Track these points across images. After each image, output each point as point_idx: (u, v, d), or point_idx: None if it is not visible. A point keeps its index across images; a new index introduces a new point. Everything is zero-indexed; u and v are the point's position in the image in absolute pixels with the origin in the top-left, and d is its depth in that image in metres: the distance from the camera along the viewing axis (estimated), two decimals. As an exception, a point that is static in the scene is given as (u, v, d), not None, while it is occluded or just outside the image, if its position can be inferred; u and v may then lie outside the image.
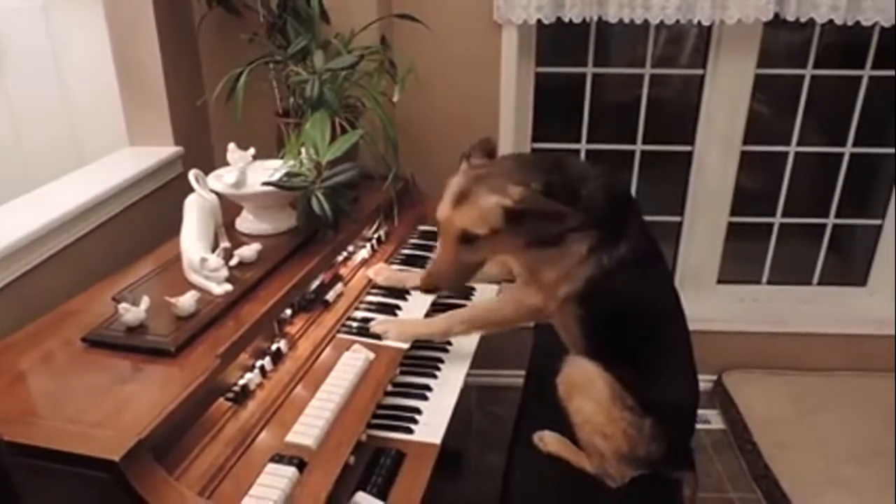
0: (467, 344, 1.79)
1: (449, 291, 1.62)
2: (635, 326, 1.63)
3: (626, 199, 1.70)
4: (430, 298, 1.81)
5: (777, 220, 2.84)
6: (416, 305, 1.79)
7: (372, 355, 1.54)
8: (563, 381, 1.66)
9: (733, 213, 2.77)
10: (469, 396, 2.80)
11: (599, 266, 1.57)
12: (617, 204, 1.63)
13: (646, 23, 2.32)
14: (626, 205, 1.66)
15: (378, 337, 1.62)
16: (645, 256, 1.65)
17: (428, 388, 1.60)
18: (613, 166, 2.52)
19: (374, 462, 1.36)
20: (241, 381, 1.34)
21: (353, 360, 1.50)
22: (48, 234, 1.62)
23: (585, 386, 1.62)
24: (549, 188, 1.50)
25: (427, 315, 1.78)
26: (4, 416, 1.09)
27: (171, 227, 1.64)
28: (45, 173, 1.96)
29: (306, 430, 1.28)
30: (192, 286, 1.49)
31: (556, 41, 2.57)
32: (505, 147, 2.57)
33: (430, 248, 2.07)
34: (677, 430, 1.69)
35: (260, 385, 1.37)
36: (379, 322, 1.68)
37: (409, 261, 2.00)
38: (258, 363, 1.40)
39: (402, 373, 1.63)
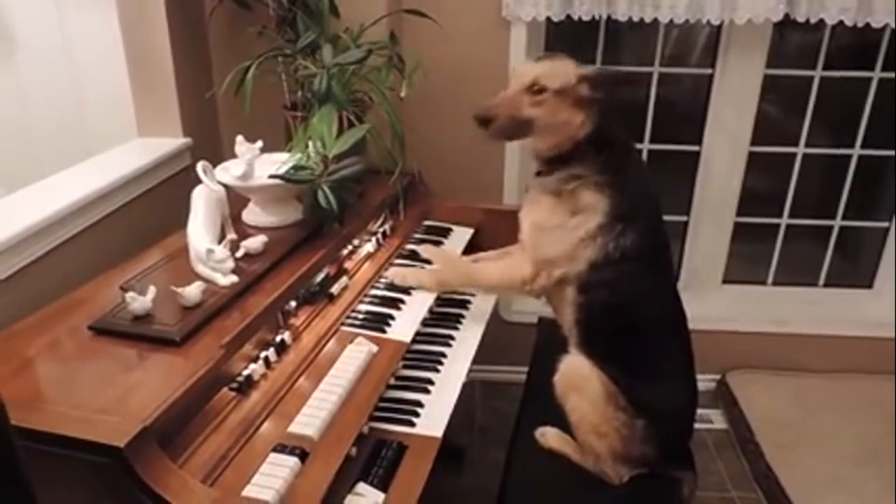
0: (470, 339, 1.80)
1: (494, 133, 1.64)
2: (632, 326, 1.63)
3: (651, 197, 1.70)
4: (433, 294, 1.82)
5: (784, 220, 2.84)
6: (419, 301, 1.79)
7: (375, 348, 1.55)
8: (560, 380, 1.67)
9: (740, 213, 2.77)
10: (473, 391, 2.81)
11: (604, 250, 1.59)
12: (641, 196, 1.66)
13: (655, 21, 2.32)
14: (648, 202, 1.68)
15: (381, 328, 1.63)
16: (653, 259, 1.66)
17: (430, 381, 1.61)
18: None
19: (375, 454, 1.38)
20: (245, 372, 1.35)
21: (356, 353, 1.51)
22: (57, 224, 1.64)
23: (581, 385, 1.63)
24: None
25: (430, 311, 1.79)
26: (12, 400, 1.10)
27: (179, 217, 1.65)
28: (54, 163, 1.98)
29: (309, 422, 1.29)
30: (199, 277, 1.50)
31: (564, 38, 2.57)
32: (511, 144, 2.57)
33: (435, 244, 2.08)
34: (671, 434, 1.69)
35: (264, 376, 1.38)
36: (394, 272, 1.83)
37: (414, 256, 2.01)
38: (262, 354, 1.41)
39: (405, 366, 1.64)
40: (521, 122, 1.62)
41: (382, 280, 1.86)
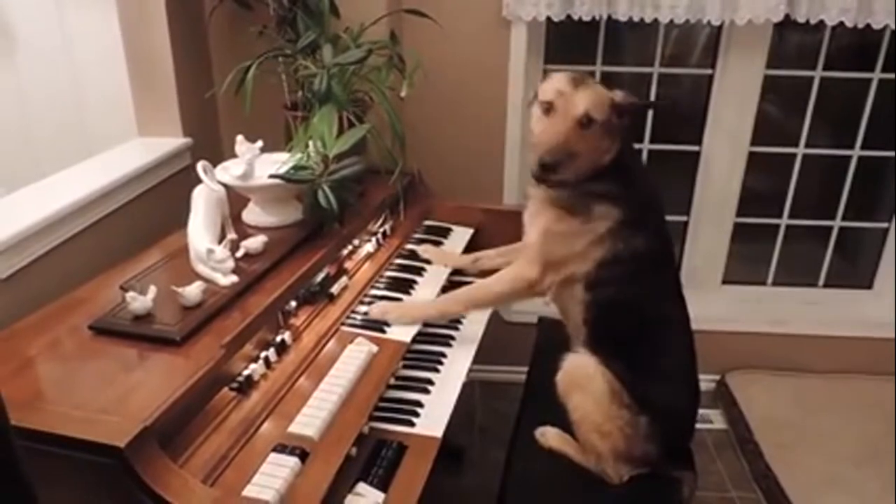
0: (470, 338, 1.80)
1: (549, 172, 1.55)
2: (639, 323, 1.65)
3: (657, 200, 1.72)
4: (434, 293, 1.82)
5: (783, 221, 2.84)
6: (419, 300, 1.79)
7: (375, 348, 1.55)
8: (562, 378, 1.67)
9: (740, 213, 2.77)
10: (472, 392, 2.81)
11: (613, 251, 1.60)
12: (648, 199, 1.67)
13: (655, 21, 2.32)
14: (655, 204, 1.70)
15: (381, 328, 1.63)
16: (659, 257, 1.68)
17: (430, 381, 1.61)
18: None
19: (375, 454, 1.38)
20: (246, 372, 1.35)
21: (356, 353, 1.51)
22: (57, 223, 1.64)
23: (585, 382, 1.63)
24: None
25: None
26: (12, 400, 1.10)
27: (179, 217, 1.65)
28: (54, 162, 1.98)
29: (309, 422, 1.29)
30: (199, 277, 1.50)
31: (565, 38, 2.57)
32: (511, 144, 2.58)
33: (435, 244, 2.08)
34: (674, 432, 1.70)
35: (264, 376, 1.38)
36: (377, 306, 1.69)
37: (414, 256, 2.01)
38: (263, 354, 1.41)
39: (405, 366, 1.64)
40: (572, 157, 1.56)
41: (382, 280, 1.86)
